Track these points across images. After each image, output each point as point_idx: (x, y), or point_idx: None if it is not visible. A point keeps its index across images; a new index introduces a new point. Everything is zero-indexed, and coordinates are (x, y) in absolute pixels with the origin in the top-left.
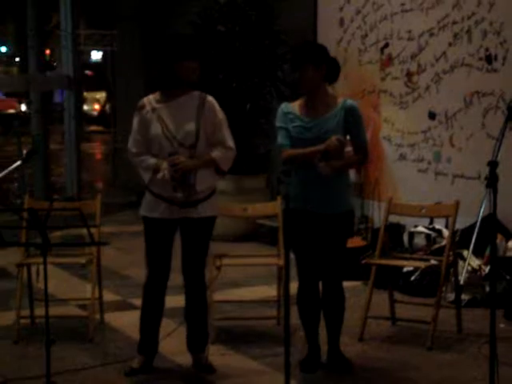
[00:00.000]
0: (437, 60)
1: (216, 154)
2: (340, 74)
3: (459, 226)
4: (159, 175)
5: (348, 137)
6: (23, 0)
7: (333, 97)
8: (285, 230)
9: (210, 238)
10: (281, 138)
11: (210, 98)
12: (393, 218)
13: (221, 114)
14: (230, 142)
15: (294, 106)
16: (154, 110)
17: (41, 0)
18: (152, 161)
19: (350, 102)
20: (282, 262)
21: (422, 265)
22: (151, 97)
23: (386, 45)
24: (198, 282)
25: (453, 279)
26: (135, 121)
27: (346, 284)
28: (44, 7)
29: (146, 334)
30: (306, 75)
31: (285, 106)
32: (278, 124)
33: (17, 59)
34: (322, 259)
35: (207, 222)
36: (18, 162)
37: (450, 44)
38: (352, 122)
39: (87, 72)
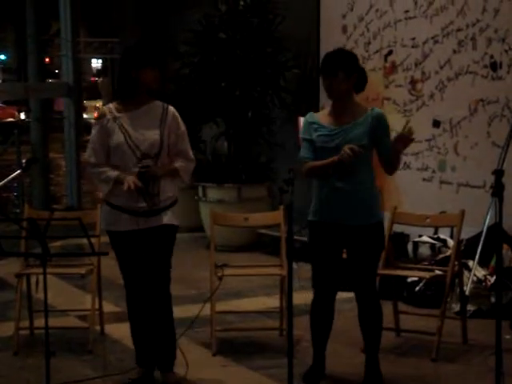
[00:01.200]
0: (441, 67)
1: (179, 164)
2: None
3: (464, 235)
4: (125, 186)
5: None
6: (23, 7)
7: (360, 106)
8: (309, 242)
9: (172, 249)
10: (303, 151)
11: (172, 108)
12: (397, 228)
13: (183, 126)
14: (191, 154)
15: (319, 116)
16: (115, 118)
17: (40, 7)
18: (113, 173)
19: (377, 110)
20: (284, 272)
21: (427, 275)
22: (111, 105)
23: (390, 52)
24: (162, 295)
25: (458, 290)
26: (94, 130)
27: (350, 295)
28: (44, 14)
29: (140, 346)
30: (337, 82)
31: (309, 116)
32: (301, 135)
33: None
34: (340, 271)
35: (169, 230)
36: (18, 171)
37: (454, 51)
38: (379, 130)
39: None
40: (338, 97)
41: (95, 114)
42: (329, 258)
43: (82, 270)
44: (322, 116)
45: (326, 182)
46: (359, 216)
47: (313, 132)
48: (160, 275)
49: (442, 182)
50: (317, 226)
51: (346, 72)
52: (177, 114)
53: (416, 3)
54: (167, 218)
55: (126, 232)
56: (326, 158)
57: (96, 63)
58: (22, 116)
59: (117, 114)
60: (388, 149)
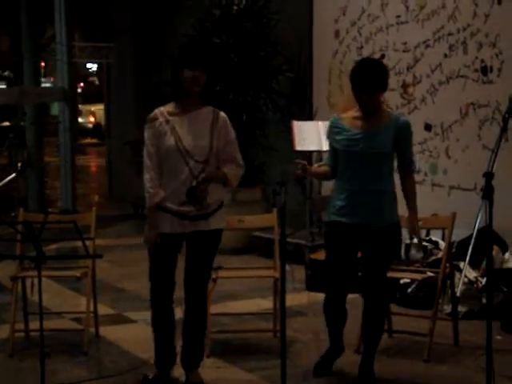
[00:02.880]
0: (432, 71)
1: (228, 170)
2: (336, 86)
3: (455, 237)
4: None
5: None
6: (18, 12)
7: (385, 111)
8: (327, 242)
9: (216, 251)
10: (327, 155)
11: (223, 115)
12: None
13: (233, 132)
14: (241, 160)
15: (344, 119)
16: (167, 121)
17: (35, 11)
18: (156, 198)
19: (404, 118)
20: (277, 275)
21: (419, 277)
22: (163, 109)
23: (382, 56)
24: (200, 296)
25: (449, 291)
26: (148, 133)
27: (349, 296)
28: (39, 19)
29: (161, 348)
30: (374, 100)
31: (333, 119)
32: (327, 138)
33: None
34: (354, 272)
35: (216, 234)
36: (13, 175)
37: (445, 55)
38: (402, 137)
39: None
40: (372, 109)
41: (90, 118)
42: (346, 259)
43: (77, 273)
44: (349, 119)
45: (350, 186)
46: (381, 218)
47: (335, 136)
48: (203, 277)
49: (433, 185)
50: (337, 226)
51: (382, 88)
52: (227, 119)
53: (407, 8)
54: (214, 223)
55: (170, 234)
56: (351, 163)
57: (91, 68)
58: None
59: (169, 117)
60: (408, 159)
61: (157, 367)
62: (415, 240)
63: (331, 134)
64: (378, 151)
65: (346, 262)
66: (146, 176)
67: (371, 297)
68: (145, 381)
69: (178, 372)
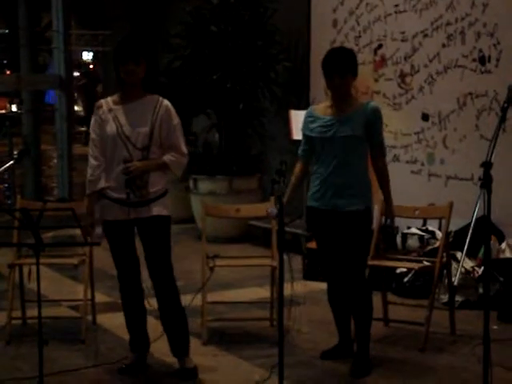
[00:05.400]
0: (430, 61)
1: (168, 158)
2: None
3: (452, 227)
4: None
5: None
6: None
7: (355, 98)
8: (308, 229)
9: (169, 239)
10: (300, 146)
11: (167, 102)
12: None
13: (176, 119)
14: (184, 148)
15: (317, 109)
16: (110, 110)
17: None
18: (99, 185)
19: (373, 103)
20: (275, 263)
21: (416, 266)
22: (109, 98)
23: (380, 46)
24: (167, 285)
25: (446, 281)
26: (93, 121)
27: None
28: (35, 7)
29: (134, 333)
30: (346, 83)
31: (308, 110)
32: (301, 129)
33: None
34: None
35: (161, 221)
36: (10, 162)
37: (443, 45)
38: (372, 122)
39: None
40: (342, 94)
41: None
42: (331, 245)
43: (75, 261)
44: (322, 108)
45: (323, 170)
46: (352, 202)
47: (309, 124)
48: (161, 265)
49: (430, 175)
50: (313, 212)
51: (353, 72)
52: (171, 107)
53: None
54: (157, 209)
55: (117, 222)
56: (325, 149)
57: (87, 56)
58: (14, 108)
59: (112, 106)
60: (379, 143)
61: (132, 351)
62: (389, 222)
63: (306, 123)
64: (348, 135)
65: (331, 247)
66: (89, 163)
67: (347, 284)
68: (121, 370)
69: (173, 360)
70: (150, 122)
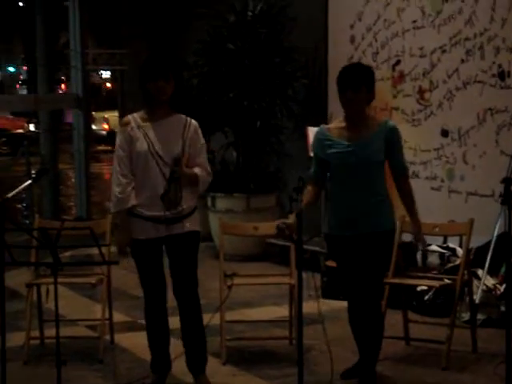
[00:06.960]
0: (449, 77)
1: (198, 171)
2: None
3: (473, 244)
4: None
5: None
6: (32, 20)
7: (373, 118)
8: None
9: (197, 254)
10: (312, 168)
11: (195, 122)
12: (406, 237)
13: (203, 140)
14: (209, 168)
15: (331, 130)
16: (139, 127)
17: (50, 18)
18: (130, 202)
19: (391, 123)
20: (293, 281)
21: (436, 284)
22: (135, 115)
23: (398, 62)
24: (191, 301)
25: (467, 298)
26: (120, 137)
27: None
28: (53, 26)
29: (157, 354)
30: (359, 98)
31: (321, 132)
32: (313, 150)
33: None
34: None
35: (192, 236)
36: (28, 182)
37: (462, 60)
38: (391, 142)
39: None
40: (356, 111)
41: (103, 125)
42: (353, 267)
43: (93, 280)
44: (336, 130)
45: (343, 197)
46: (378, 224)
47: (326, 149)
48: (188, 280)
49: (450, 191)
50: (337, 239)
51: (367, 87)
52: (198, 127)
53: (424, 13)
54: (190, 225)
55: (147, 240)
56: (345, 175)
57: (105, 74)
58: (32, 127)
59: (141, 123)
60: (401, 164)
61: (153, 372)
62: (420, 246)
63: (322, 146)
64: (371, 162)
65: (355, 269)
66: (115, 181)
67: (361, 303)
68: None
69: (190, 379)
70: (180, 141)
